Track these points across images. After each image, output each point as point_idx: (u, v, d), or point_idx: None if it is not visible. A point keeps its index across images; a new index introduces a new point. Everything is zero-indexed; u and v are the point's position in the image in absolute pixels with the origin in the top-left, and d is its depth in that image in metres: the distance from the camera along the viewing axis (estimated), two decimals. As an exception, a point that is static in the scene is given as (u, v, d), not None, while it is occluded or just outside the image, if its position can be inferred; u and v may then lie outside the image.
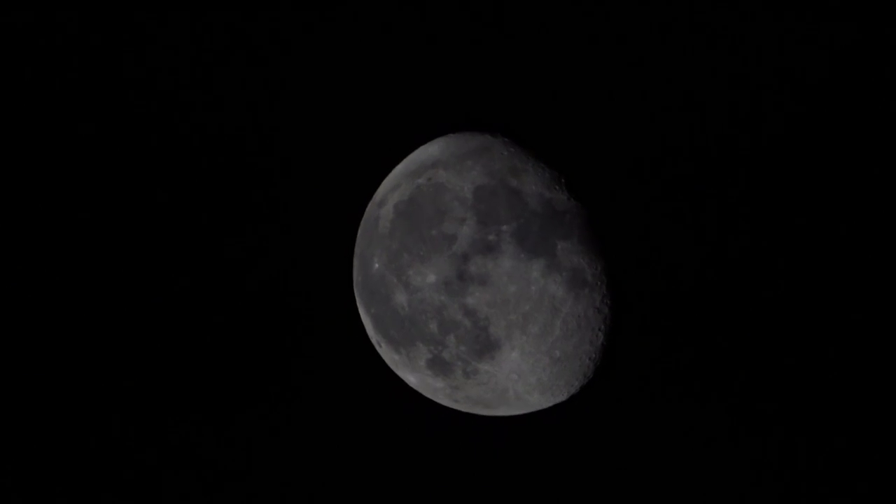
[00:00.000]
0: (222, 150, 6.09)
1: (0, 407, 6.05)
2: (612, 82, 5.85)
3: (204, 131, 6.09)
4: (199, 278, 6.21)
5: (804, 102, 5.74)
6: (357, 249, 5.64)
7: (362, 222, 5.67)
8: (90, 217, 6.11)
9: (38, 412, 6.06)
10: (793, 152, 5.79)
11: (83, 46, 5.97)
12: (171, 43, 6.03)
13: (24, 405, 6.06)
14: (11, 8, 5.92)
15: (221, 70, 6.05)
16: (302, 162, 6.23)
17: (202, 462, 6.24)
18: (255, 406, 6.34)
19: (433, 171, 5.25)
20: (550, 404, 5.54)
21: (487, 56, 5.89)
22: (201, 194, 6.16)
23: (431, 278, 5.04)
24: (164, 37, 6.04)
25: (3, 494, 6.01)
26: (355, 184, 5.80)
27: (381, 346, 5.56)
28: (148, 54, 6.02)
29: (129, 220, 6.12)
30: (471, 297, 4.98)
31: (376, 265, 5.31)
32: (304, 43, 6.09)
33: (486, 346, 5.07)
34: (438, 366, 5.24)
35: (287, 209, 6.24)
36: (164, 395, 6.21)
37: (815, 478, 6.01)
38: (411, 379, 5.55)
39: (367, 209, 5.68)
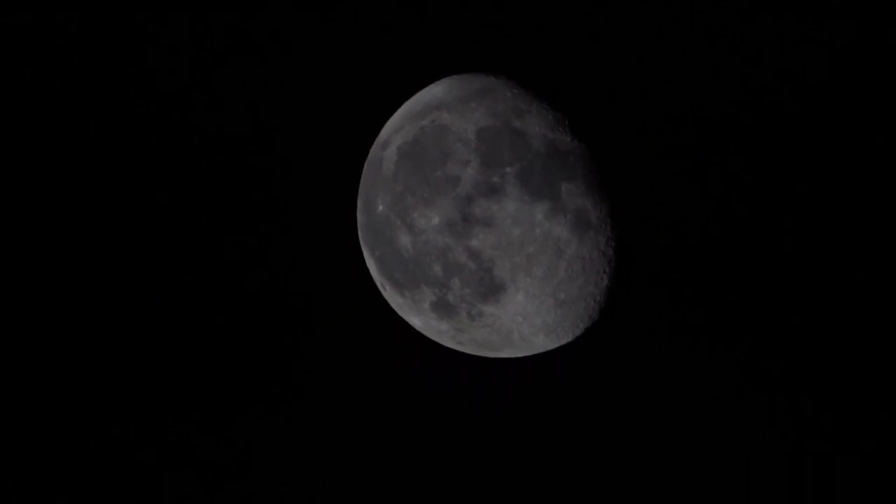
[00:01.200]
0: (222, 144, 6.26)
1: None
2: (620, 24, 5.92)
3: (204, 129, 6.25)
4: (200, 276, 6.34)
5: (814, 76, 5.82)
6: (361, 191, 5.72)
7: (366, 164, 5.76)
8: (90, 217, 6.24)
9: (37, 412, 6.17)
10: (802, 121, 5.91)
11: (83, 46, 6.10)
12: (171, 43, 6.18)
13: (23, 405, 6.17)
14: (11, 8, 6.04)
15: (221, 67, 6.23)
16: (303, 113, 6.24)
17: (202, 462, 6.36)
18: (263, 394, 6.48)
19: (437, 113, 5.33)
20: (555, 346, 5.66)
21: (490, -4, 5.76)
22: (202, 193, 6.33)
23: (435, 220, 5.14)
24: (164, 37, 6.17)
25: (3, 494, 6.12)
26: (360, 128, 5.89)
27: (385, 289, 5.66)
28: (148, 54, 6.16)
29: (129, 220, 6.24)
30: (475, 239, 5.08)
31: (380, 207, 5.41)
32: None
33: (490, 289, 5.18)
34: (443, 308, 5.36)
35: (290, 164, 6.27)
36: (163, 395, 6.31)
37: (819, 436, 6.10)
38: (416, 322, 5.67)
39: (371, 150, 5.76)
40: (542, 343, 5.58)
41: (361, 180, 5.77)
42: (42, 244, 6.16)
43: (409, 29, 6.04)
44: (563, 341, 5.66)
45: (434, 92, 5.61)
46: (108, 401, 6.21)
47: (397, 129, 5.55)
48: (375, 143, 5.77)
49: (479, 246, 5.10)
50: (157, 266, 6.24)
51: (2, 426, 6.12)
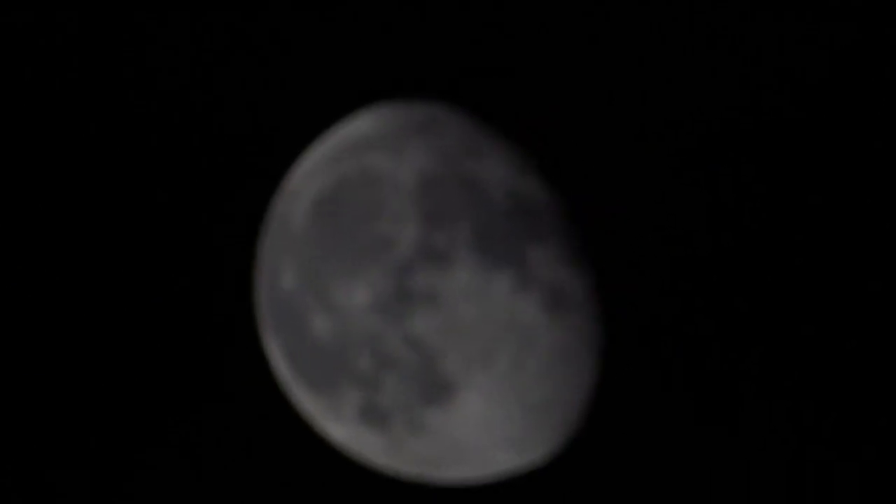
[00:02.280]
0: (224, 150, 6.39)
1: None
2: (608, 33, 5.87)
3: (206, 131, 6.37)
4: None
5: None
6: (261, 258, 5.40)
7: (268, 222, 5.46)
8: (90, 217, 6.39)
9: (25, 414, 6.35)
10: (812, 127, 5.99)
11: (83, 46, 6.34)
12: (172, 43, 6.39)
13: (12, 406, 6.37)
14: (11, 8, 6.32)
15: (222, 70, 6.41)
16: (185, 145, 6.36)
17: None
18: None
19: (363, 154, 4.96)
20: (523, 466, 5.32)
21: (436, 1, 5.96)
22: (202, 194, 6.43)
23: (362, 297, 4.71)
24: (164, 37, 6.39)
25: (3, 494, 6.31)
26: (259, 173, 5.86)
27: (293, 389, 5.30)
28: (148, 54, 6.39)
29: (129, 220, 6.42)
30: (415, 323, 4.66)
31: (288, 279, 5.04)
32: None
33: (435, 389, 4.75)
34: (373, 415, 4.91)
35: (174, 211, 6.39)
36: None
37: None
38: (336, 433, 5.28)
39: (276, 204, 5.45)
40: (505, 461, 5.16)
41: (261, 244, 5.46)
42: (41, 244, 6.39)
43: (323, 37, 6.10)
44: (534, 460, 5.28)
45: (359, 126, 5.26)
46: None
47: (311, 174, 5.19)
48: (281, 193, 5.46)
49: (420, 331, 4.68)
50: (155, 266, 6.44)
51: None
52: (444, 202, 4.73)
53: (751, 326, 6.03)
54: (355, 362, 4.80)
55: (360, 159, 4.96)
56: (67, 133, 6.39)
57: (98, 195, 6.44)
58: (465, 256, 4.65)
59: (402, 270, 4.67)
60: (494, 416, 4.85)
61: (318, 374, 5.01)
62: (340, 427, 5.19)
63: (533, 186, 4.85)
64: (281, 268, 5.11)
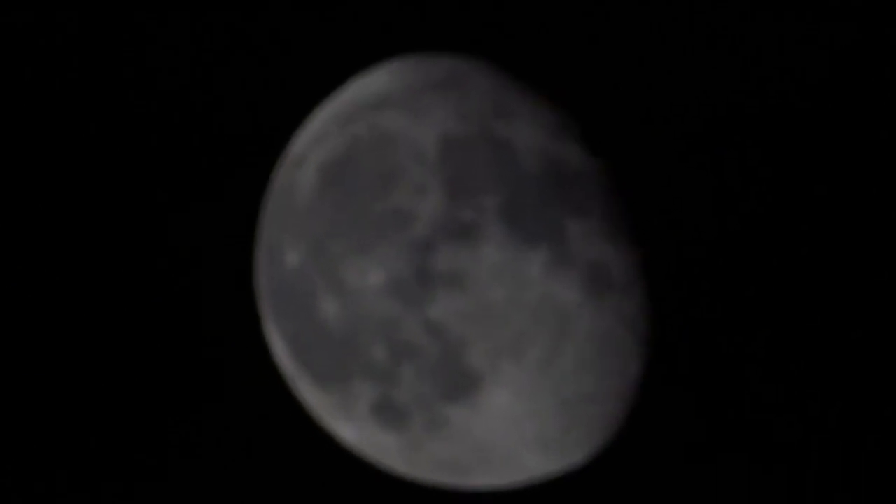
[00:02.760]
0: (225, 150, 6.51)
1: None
2: None
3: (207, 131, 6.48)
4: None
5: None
6: (262, 234, 5.30)
7: (270, 193, 5.35)
8: (90, 217, 6.49)
9: (18, 415, 6.46)
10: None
11: (83, 46, 6.47)
12: (172, 43, 6.51)
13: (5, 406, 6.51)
14: (11, 8, 6.47)
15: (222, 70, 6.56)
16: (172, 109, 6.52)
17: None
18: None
19: (377, 115, 4.80)
20: (559, 470, 5.17)
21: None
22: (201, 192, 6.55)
23: (376, 278, 4.55)
24: (164, 37, 6.50)
25: (3, 494, 6.42)
26: (260, 137, 6.00)
27: (299, 383, 5.17)
28: (148, 54, 6.52)
29: (129, 220, 6.53)
30: (437, 308, 4.48)
31: (292, 258, 4.89)
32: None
33: (459, 383, 4.57)
34: (388, 413, 4.77)
35: (153, 189, 6.56)
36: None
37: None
38: (347, 433, 5.14)
39: (278, 173, 5.33)
40: (537, 465, 5.00)
41: (262, 219, 5.35)
42: (41, 244, 6.50)
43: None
44: (571, 462, 5.12)
45: (374, 82, 5.11)
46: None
47: (318, 138, 5.03)
48: (284, 160, 5.32)
49: (442, 317, 4.49)
50: (153, 266, 6.54)
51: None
52: (469, 169, 4.54)
53: (814, 314, 6.00)
54: (368, 352, 4.63)
55: (374, 121, 4.77)
56: (68, 133, 6.46)
57: (93, 175, 6.52)
58: (494, 232, 4.44)
59: (422, 248, 4.48)
60: (526, 414, 4.67)
61: (327, 365, 4.85)
62: (351, 426, 5.04)
63: (571, 151, 4.61)
64: (284, 245, 4.96)
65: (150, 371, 6.61)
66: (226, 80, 6.52)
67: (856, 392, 6.19)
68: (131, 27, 6.56)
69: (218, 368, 6.43)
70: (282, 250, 4.97)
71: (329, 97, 5.35)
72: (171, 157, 6.60)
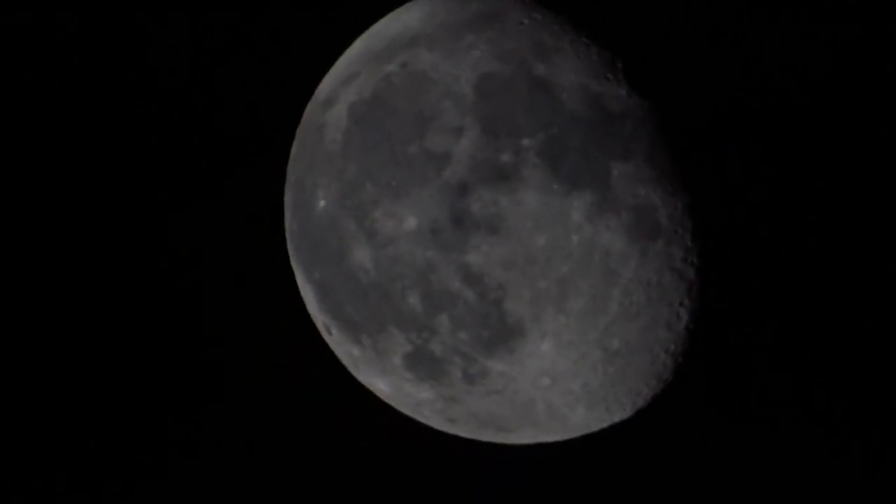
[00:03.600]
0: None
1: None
2: None
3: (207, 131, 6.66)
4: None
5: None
6: (291, 177, 5.21)
7: (298, 133, 5.27)
8: (90, 217, 6.64)
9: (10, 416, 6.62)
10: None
11: (83, 46, 6.60)
12: (172, 43, 6.68)
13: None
14: (11, 8, 6.59)
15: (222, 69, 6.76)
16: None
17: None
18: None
19: (410, 53, 4.69)
20: (605, 425, 5.11)
21: None
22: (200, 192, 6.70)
23: (411, 223, 4.47)
24: (164, 37, 6.65)
25: (3, 494, 6.57)
26: (288, 76, 6.08)
27: (330, 333, 5.09)
28: (148, 54, 6.66)
29: (130, 220, 6.69)
30: (475, 254, 4.38)
31: (322, 202, 4.81)
32: None
33: (499, 333, 4.48)
34: (424, 364, 4.70)
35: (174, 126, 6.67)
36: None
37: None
38: (381, 385, 5.09)
39: (306, 112, 5.24)
40: (582, 420, 4.91)
41: (291, 160, 5.25)
42: (42, 244, 6.63)
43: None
44: (617, 418, 5.04)
45: (405, 19, 4.98)
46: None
47: (348, 77, 4.91)
48: (313, 100, 5.22)
49: (480, 264, 4.40)
50: (153, 266, 6.71)
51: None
52: (507, 109, 4.41)
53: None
54: (402, 301, 4.55)
55: (407, 59, 4.65)
56: (67, 133, 6.59)
57: (93, 175, 6.68)
58: (534, 174, 4.32)
59: (459, 191, 4.38)
60: (569, 366, 4.57)
61: (359, 314, 4.76)
62: (385, 378, 4.98)
63: (615, 91, 4.45)
64: (314, 189, 4.85)
65: (150, 370, 6.71)
66: (226, 74, 6.63)
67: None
68: (131, 27, 6.66)
69: (247, 317, 6.47)
70: (311, 195, 4.87)
71: (359, 35, 5.24)
72: (170, 157, 6.72)
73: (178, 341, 6.67)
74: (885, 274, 6.23)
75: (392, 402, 5.22)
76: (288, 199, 5.21)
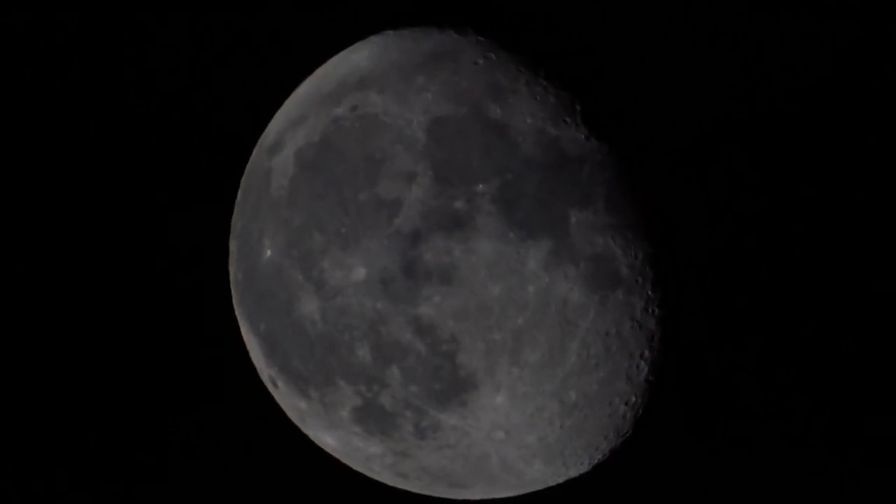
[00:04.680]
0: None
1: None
2: None
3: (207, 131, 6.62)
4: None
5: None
6: (236, 225, 5.13)
7: (244, 180, 5.20)
8: (90, 217, 6.63)
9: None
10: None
11: (83, 46, 6.57)
12: (172, 43, 6.64)
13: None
14: (11, 8, 6.59)
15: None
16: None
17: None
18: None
19: (360, 95, 4.61)
20: (561, 480, 5.10)
21: None
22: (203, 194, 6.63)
23: (360, 273, 4.38)
24: (164, 37, 6.62)
25: (3, 494, 6.58)
26: (234, 120, 6.10)
27: (277, 387, 5.02)
28: (148, 54, 6.64)
29: (129, 220, 6.67)
30: (426, 305, 4.32)
31: (268, 252, 4.74)
32: None
33: (452, 386, 4.41)
34: (374, 418, 4.61)
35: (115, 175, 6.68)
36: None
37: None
38: (329, 440, 5.01)
39: (252, 158, 5.17)
40: (539, 475, 4.87)
41: (236, 208, 5.19)
42: (41, 244, 6.62)
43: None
44: (575, 472, 5.01)
45: (355, 59, 4.92)
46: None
47: (296, 121, 4.85)
48: (259, 145, 5.16)
49: (432, 315, 4.32)
50: (153, 266, 6.69)
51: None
52: (461, 155, 4.34)
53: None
54: (352, 353, 4.45)
55: (357, 102, 4.57)
56: (67, 133, 6.55)
57: (93, 175, 6.63)
58: (489, 223, 4.25)
59: (411, 240, 4.31)
60: (525, 420, 4.52)
61: (307, 367, 4.66)
62: (334, 433, 4.89)
63: (573, 135, 4.40)
64: (260, 238, 4.78)
65: (149, 370, 6.69)
66: (197, 55, 6.60)
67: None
68: (131, 28, 6.64)
69: (195, 373, 6.45)
70: (257, 242, 4.79)
71: (307, 76, 5.19)
72: (171, 157, 6.70)
73: (178, 341, 6.66)
74: (863, 296, 6.22)
75: (341, 458, 5.14)
76: (233, 247, 5.15)
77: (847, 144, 6.28)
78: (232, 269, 5.20)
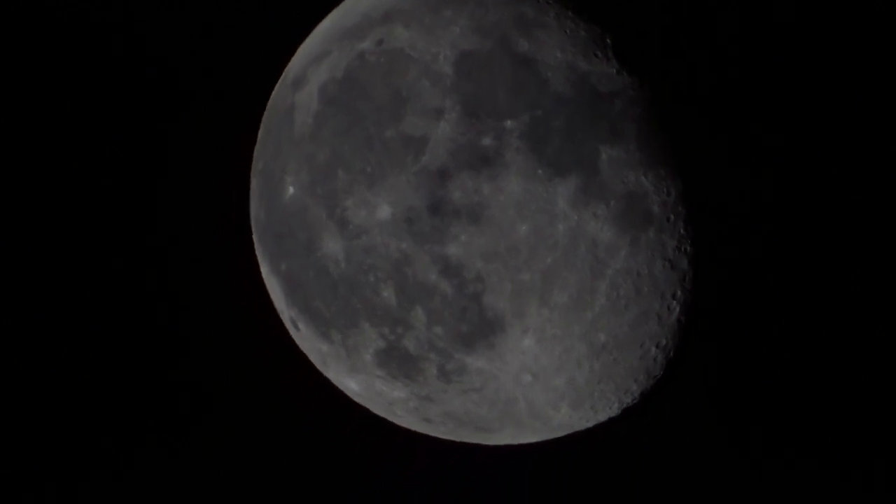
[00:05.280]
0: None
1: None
2: None
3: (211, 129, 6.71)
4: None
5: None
6: (257, 163, 5.04)
7: (265, 117, 5.13)
8: (91, 217, 6.69)
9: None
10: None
11: (83, 46, 6.63)
12: (171, 41, 6.70)
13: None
14: (12, 8, 6.70)
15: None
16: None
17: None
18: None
19: (385, 29, 4.55)
20: (590, 424, 5.03)
21: None
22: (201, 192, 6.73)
23: (385, 211, 4.35)
24: (164, 35, 6.69)
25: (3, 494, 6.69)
26: (254, 56, 6.07)
27: (298, 328, 5.00)
28: (148, 50, 6.67)
29: (128, 220, 6.73)
30: (453, 244, 4.28)
31: (291, 190, 4.69)
32: None
33: (479, 328, 4.37)
34: (397, 361, 4.57)
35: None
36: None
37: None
38: (351, 384, 4.99)
39: (274, 94, 5.11)
40: (567, 419, 4.80)
41: (258, 144, 5.09)
42: (41, 244, 6.69)
43: None
44: (604, 417, 4.95)
45: None
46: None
47: (319, 56, 4.78)
48: (281, 80, 5.11)
49: (459, 255, 4.28)
50: (153, 265, 6.78)
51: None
52: (489, 89, 4.28)
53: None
54: (376, 294, 4.43)
55: (382, 36, 4.50)
56: (67, 132, 6.58)
57: (92, 175, 6.66)
58: (518, 160, 4.20)
59: (437, 177, 4.27)
60: (553, 362, 4.46)
61: (329, 308, 4.63)
62: (356, 376, 4.87)
63: (604, 70, 4.32)
64: (282, 176, 4.72)
65: (167, 312, 6.74)
66: (246, 8, 6.54)
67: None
68: (132, 27, 6.63)
69: (211, 312, 6.47)
70: (280, 182, 4.73)
71: (330, 10, 5.08)
72: (170, 157, 6.70)
73: (196, 280, 6.72)
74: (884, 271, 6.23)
75: (363, 402, 5.13)
76: (254, 186, 5.10)
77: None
78: (253, 207, 5.14)
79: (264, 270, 5.15)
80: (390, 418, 5.19)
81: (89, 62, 6.85)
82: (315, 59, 4.78)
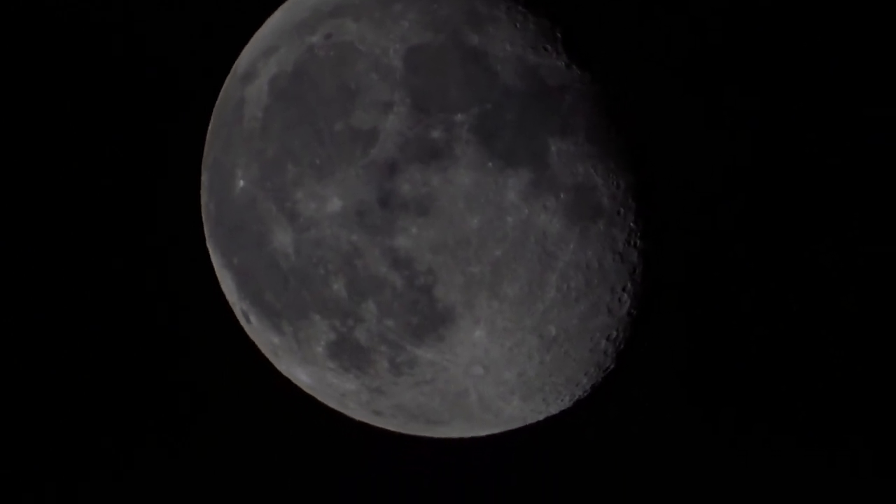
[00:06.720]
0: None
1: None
2: None
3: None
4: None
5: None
6: (208, 156, 5.00)
7: (216, 110, 5.05)
8: (90, 217, 6.73)
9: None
10: None
11: (83, 46, 6.66)
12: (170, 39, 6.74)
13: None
14: (12, 8, 6.72)
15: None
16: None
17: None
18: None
19: (335, 23, 4.52)
20: (541, 417, 5.06)
21: None
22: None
23: (335, 205, 4.32)
24: (164, 35, 6.70)
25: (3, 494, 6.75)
26: (207, 50, 6.06)
27: (249, 321, 4.94)
28: (148, 50, 6.70)
29: (127, 220, 6.76)
30: (403, 237, 4.26)
31: (241, 183, 4.62)
32: None
33: (429, 320, 4.35)
34: (349, 353, 4.53)
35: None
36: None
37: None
38: (303, 377, 4.96)
39: (224, 88, 5.04)
40: (518, 412, 4.83)
41: (208, 138, 5.07)
42: (40, 244, 6.73)
43: None
44: (555, 409, 4.97)
45: None
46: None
47: (268, 50, 4.77)
48: (231, 74, 5.06)
49: (409, 247, 4.27)
50: (153, 266, 6.80)
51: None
52: (439, 83, 4.26)
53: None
54: (326, 287, 4.39)
55: (331, 30, 4.47)
56: (67, 132, 6.61)
57: (92, 175, 6.69)
58: (467, 152, 4.17)
59: (387, 170, 4.23)
60: (503, 354, 4.45)
61: (280, 300, 4.60)
62: (307, 368, 4.83)
63: (554, 63, 4.33)
64: (232, 169, 4.65)
65: (120, 306, 6.73)
66: (197, 4, 6.55)
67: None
68: (131, 28, 6.65)
69: (162, 306, 6.41)
70: (229, 174, 4.68)
71: (281, 3, 5.07)
72: (170, 157, 6.64)
73: (148, 275, 6.71)
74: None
75: (315, 394, 5.09)
76: (205, 179, 5.03)
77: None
78: (204, 200, 5.09)
79: (215, 263, 5.10)
80: (342, 411, 5.15)
81: (89, 62, 6.86)
82: (264, 53, 4.78)
